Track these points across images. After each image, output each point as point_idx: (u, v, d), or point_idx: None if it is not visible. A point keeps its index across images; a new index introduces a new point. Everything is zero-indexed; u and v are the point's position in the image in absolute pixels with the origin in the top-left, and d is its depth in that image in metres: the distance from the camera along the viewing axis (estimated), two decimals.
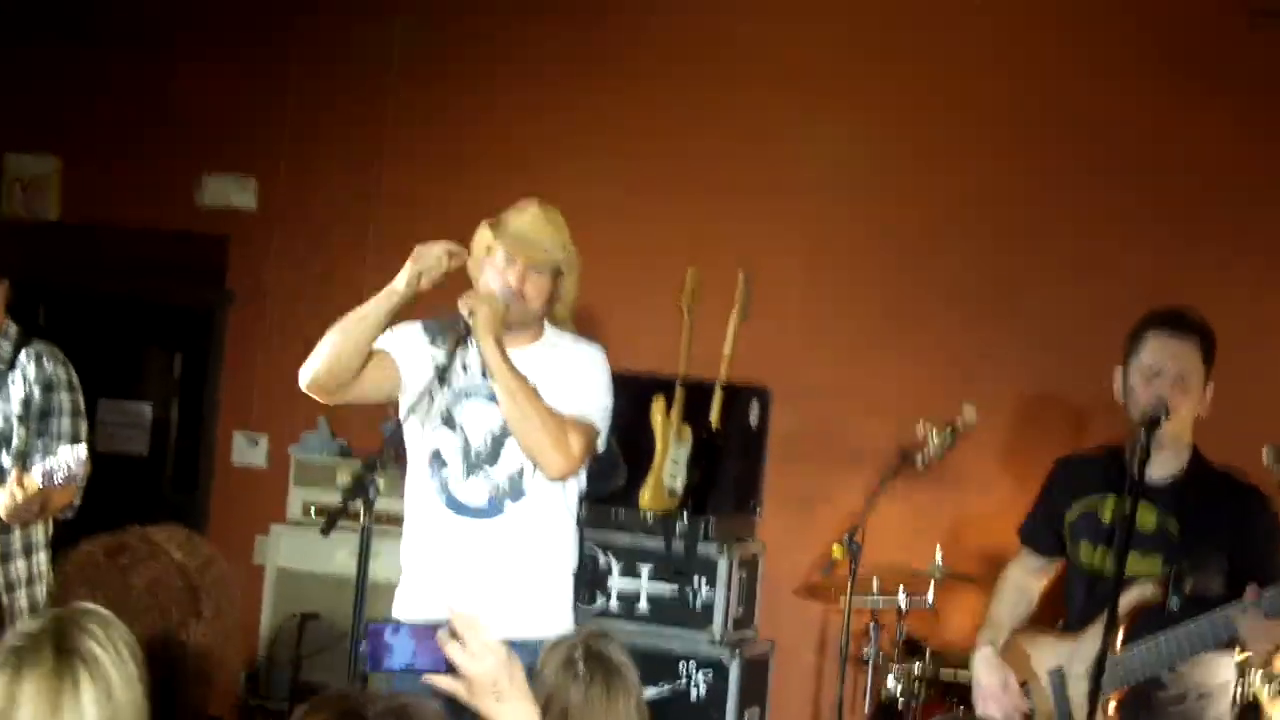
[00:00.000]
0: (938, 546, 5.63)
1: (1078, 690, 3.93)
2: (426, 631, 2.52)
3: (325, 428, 7.13)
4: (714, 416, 6.43)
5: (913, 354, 6.67)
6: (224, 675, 2.60)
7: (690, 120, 7.03)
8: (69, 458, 4.26)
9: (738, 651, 6.21)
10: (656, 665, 6.28)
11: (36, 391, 4.68)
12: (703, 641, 6.21)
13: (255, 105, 7.76)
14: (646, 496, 6.27)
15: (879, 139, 6.79)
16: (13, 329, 4.79)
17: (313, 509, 7.03)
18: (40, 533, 4.80)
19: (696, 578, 6.24)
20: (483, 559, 4.34)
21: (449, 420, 4.41)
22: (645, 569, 6.35)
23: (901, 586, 5.55)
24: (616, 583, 6.37)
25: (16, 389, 4.68)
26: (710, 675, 6.16)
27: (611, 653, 3.13)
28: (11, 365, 4.70)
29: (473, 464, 4.39)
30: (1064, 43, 6.59)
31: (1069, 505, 4.19)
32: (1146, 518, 3.93)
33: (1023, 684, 4.12)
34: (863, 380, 6.71)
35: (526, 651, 4.11)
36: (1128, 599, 3.80)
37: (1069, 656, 4.02)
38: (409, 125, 7.52)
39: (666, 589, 6.32)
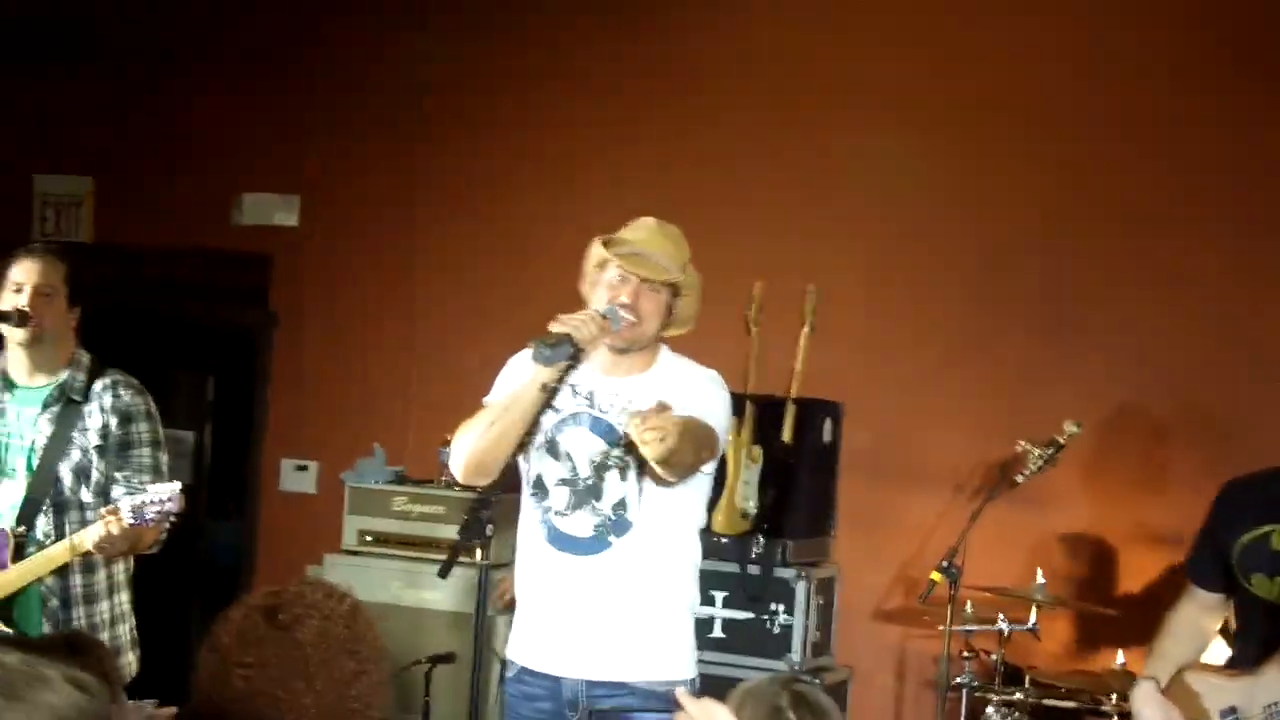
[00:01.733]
0: (1039, 569, 5.41)
1: None
2: None
3: (381, 454, 6.92)
4: (787, 433, 6.25)
5: (980, 369, 6.46)
6: None
7: (753, 135, 6.81)
8: (161, 494, 4.09)
9: (818, 680, 6.01)
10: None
11: (114, 423, 4.49)
12: (782, 669, 6.00)
13: (293, 121, 7.57)
14: (720, 519, 6.07)
15: (944, 153, 6.55)
16: (85, 358, 4.60)
17: (369, 537, 6.82)
18: (121, 572, 4.61)
19: (773, 603, 6.05)
20: (591, 598, 4.07)
21: (552, 446, 4.14)
22: (719, 595, 6.15)
23: (1001, 613, 5.34)
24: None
25: (94, 420, 4.49)
26: None
27: (817, 696, 2.92)
28: (86, 396, 4.51)
29: (580, 495, 4.12)
30: (1131, 48, 6.34)
31: (1238, 535, 3.92)
32: None
33: None
34: (932, 397, 6.49)
35: (643, 697, 3.98)
36: None
37: (1246, 696, 3.71)
38: (451, 140, 7.31)
39: (742, 615, 6.13)
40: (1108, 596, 5.98)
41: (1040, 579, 5.31)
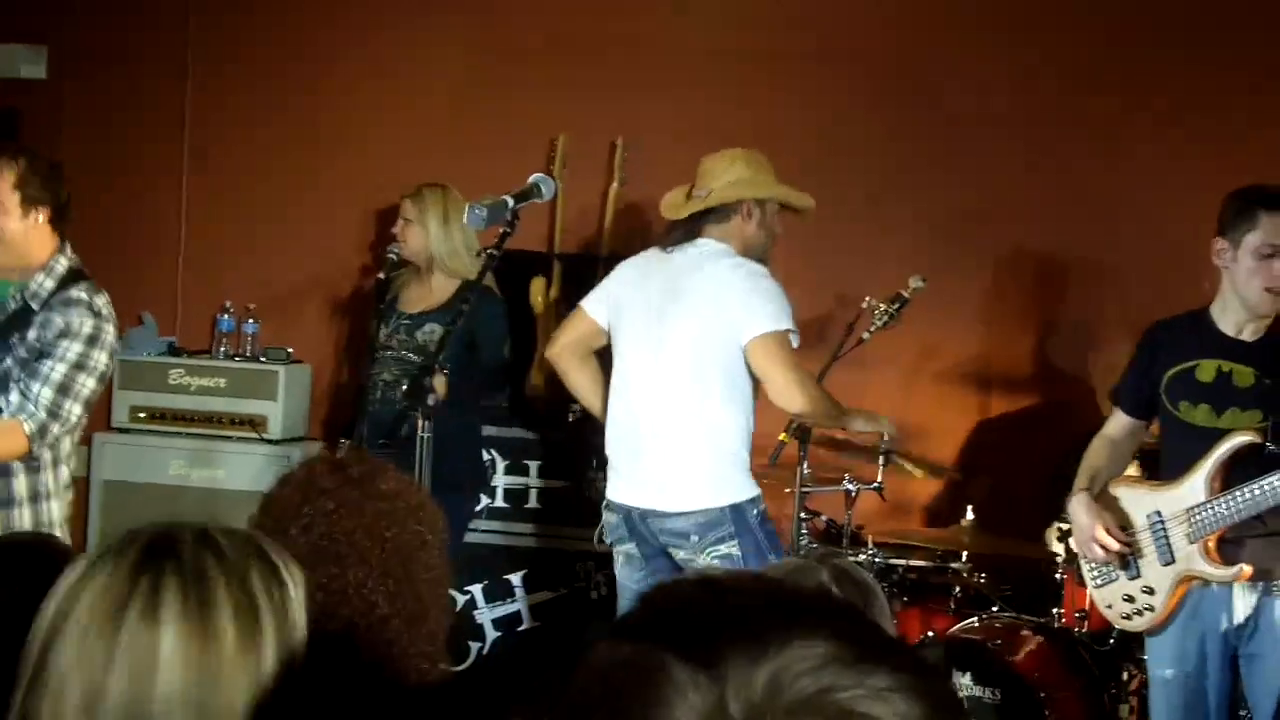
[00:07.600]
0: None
1: (1177, 532, 4.10)
2: None
3: (151, 324, 6.40)
4: None
5: (802, 226, 6.19)
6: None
7: None
8: None
9: None
10: (550, 566, 5.85)
11: (49, 335, 3.98)
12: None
13: None
14: (535, 381, 5.83)
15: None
16: (62, 265, 4.07)
17: (143, 414, 6.31)
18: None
19: (590, 471, 5.76)
20: None
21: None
22: (534, 465, 5.86)
23: (847, 473, 5.12)
24: (502, 480, 5.88)
25: (33, 332, 4.00)
26: (610, 574, 5.69)
27: (859, 572, 2.70)
28: (47, 305, 4.01)
29: None
30: None
31: (1167, 368, 4.24)
32: (1244, 376, 4.10)
33: (1121, 529, 4.23)
34: None
35: None
36: (1229, 445, 4.01)
37: (1168, 502, 4.14)
38: None
39: (558, 484, 5.85)
40: (947, 456, 5.83)
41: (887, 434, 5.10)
